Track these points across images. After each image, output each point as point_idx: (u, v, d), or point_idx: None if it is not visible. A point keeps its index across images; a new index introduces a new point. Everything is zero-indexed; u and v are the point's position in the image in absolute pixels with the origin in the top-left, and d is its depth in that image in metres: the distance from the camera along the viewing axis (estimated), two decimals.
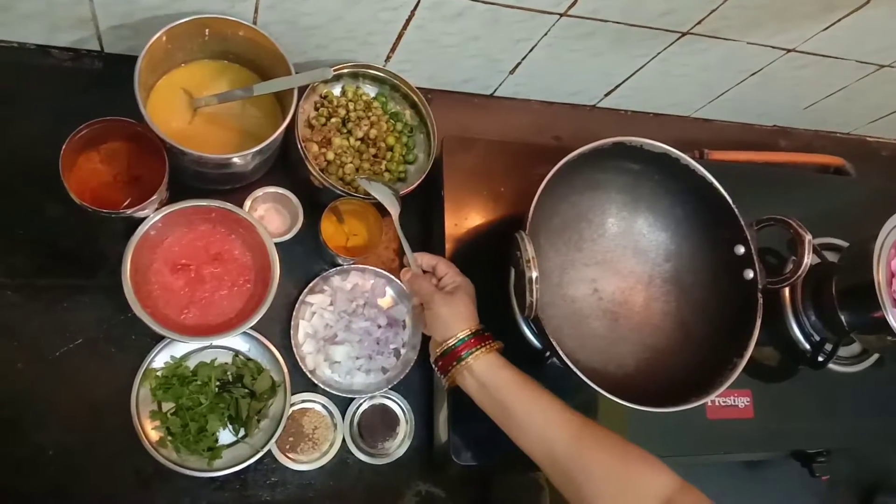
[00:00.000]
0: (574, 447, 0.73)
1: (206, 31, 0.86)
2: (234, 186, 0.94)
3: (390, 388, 0.95)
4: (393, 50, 0.98)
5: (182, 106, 0.88)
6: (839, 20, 0.98)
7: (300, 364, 0.91)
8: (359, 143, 0.98)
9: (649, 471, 0.72)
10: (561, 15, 0.92)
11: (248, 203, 0.93)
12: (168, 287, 0.84)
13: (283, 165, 0.97)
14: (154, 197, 0.80)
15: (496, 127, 1.15)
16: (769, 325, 0.93)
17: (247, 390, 0.88)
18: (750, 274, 0.90)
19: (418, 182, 0.96)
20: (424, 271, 0.88)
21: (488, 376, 0.78)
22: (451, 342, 0.80)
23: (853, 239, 1.09)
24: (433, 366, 0.85)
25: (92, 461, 0.84)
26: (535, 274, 0.76)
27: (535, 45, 0.99)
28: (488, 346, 0.80)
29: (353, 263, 0.96)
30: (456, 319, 0.81)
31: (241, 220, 0.86)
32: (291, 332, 0.92)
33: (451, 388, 0.83)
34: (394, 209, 0.89)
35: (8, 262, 0.85)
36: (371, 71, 0.99)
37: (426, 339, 0.97)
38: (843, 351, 1.11)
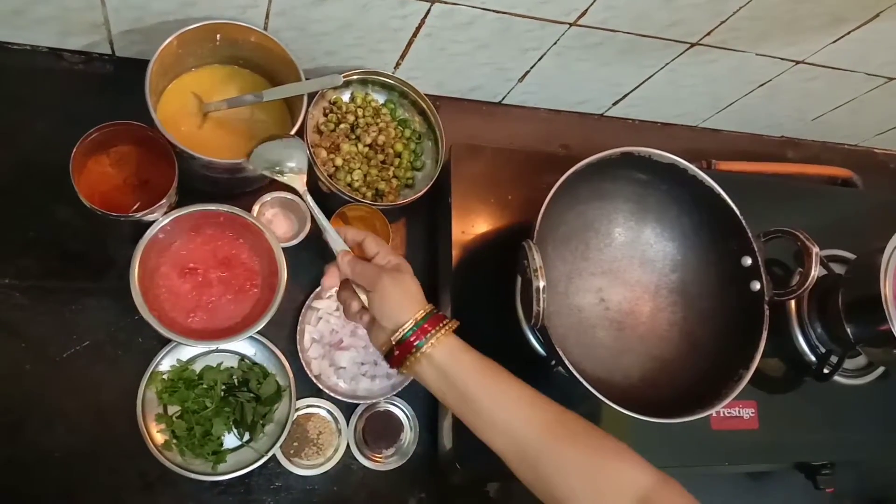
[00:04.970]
0: (545, 441, 0.67)
1: (217, 36, 0.86)
2: (243, 191, 0.95)
3: (395, 395, 0.95)
4: (402, 57, 0.99)
5: (192, 110, 0.89)
6: (848, 33, 0.98)
7: (305, 369, 0.91)
8: (367, 149, 0.98)
9: (626, 466, 0.66)
10: (570, 25, 0.92)
11: (256, 208, 0.93)
12: (175, 291, 0.84)
13: None
14: (163, 201, 0.80)
15: (504, 135, 1.15)
16: (775, 336, 0.92)
17: (252, 395, 0.88)
18: (757, 285, 0.90)
19: (426, 189, 0.96)
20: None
21: (449, 363, 0.70)
22: (408, 326, 0.70)
23: (860, 251, 1.08)
24: (384, 360, 0.75)
25: (97, 464, 0.84)
26: (542, 283, 0.76)
27: (545, 54, 1.00)
28: (446, 328, 0.71)
29: None
30: (408, 300, 0.72)
31: (248, 225, 0.86)
32: (297, 336, 0.93)
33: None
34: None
35: (17, 264, 0.85)
36: (380, 78, 0.99)
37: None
38: (849, 363, 1.10)
